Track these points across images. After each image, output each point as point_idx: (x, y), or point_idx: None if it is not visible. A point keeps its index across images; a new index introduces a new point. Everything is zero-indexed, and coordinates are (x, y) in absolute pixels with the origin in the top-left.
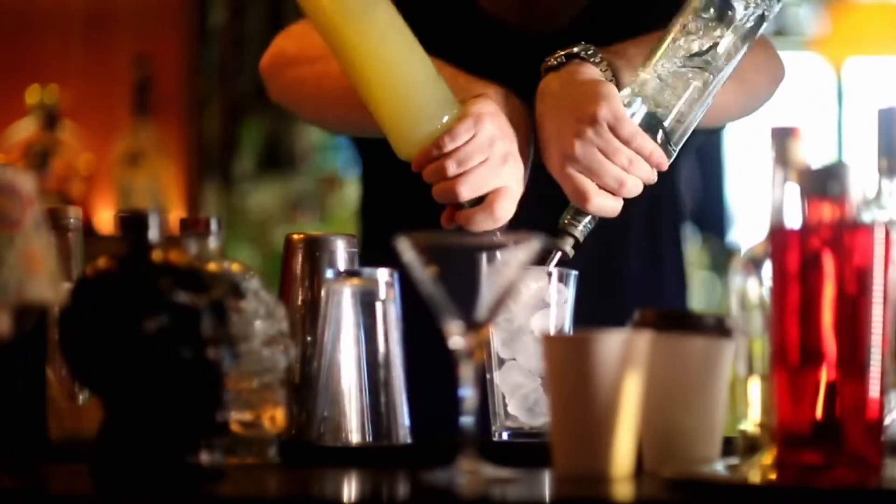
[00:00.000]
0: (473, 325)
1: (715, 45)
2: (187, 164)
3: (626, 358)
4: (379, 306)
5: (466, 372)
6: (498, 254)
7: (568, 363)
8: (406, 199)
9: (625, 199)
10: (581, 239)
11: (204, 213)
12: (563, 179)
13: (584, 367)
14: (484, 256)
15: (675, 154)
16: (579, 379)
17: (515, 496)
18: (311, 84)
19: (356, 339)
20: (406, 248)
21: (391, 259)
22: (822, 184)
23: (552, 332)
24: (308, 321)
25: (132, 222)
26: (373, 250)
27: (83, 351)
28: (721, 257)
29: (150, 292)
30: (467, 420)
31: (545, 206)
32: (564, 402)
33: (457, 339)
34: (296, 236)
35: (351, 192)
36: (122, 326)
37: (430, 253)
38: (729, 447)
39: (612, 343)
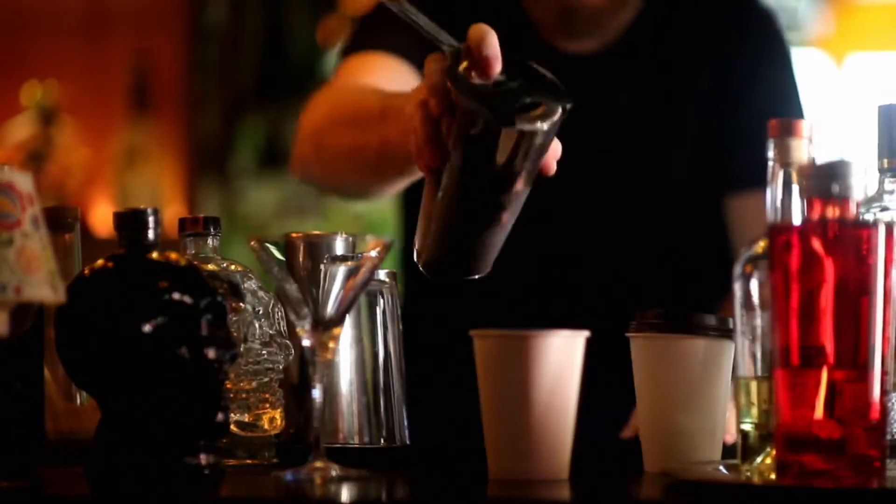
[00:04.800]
0: (323, 324)
1: None
2: (185, 161)
3: (562, 358)
4: (378, 306)
5: (315, 372)
6: (349, 254)
7: (501, 363)
8: None
9: None
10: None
11: (202, 211)
12: None
13: (518, 367)
14: (336, 255)
15: None
16: (513, 379)
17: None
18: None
19: (355, 340)
20: (258, 248)
21: None
22: (824, 182)
23: None
24: None
25: (130, 221)
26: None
27: (80, 351)
28: None
29: (148, 292)
30: (316, 422)
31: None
32: (498, 403)
33: (306, 337)
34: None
35: None
36: (120, 327)
37: (281, 250)
38: (729, 448)
39: (547, 343)
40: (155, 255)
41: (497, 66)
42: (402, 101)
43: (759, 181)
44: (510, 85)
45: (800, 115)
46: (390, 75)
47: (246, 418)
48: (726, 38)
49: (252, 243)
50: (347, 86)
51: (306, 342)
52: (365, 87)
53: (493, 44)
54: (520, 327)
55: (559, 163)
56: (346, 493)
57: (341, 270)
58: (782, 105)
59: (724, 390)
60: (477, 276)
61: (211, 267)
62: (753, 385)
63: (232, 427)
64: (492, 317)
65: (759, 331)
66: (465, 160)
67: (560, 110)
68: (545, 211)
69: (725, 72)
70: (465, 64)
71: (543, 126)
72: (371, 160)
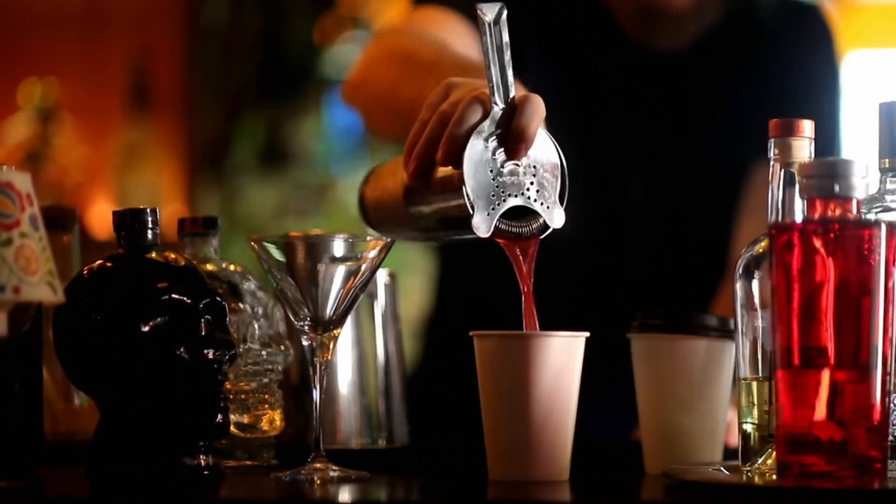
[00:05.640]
0: (323, 325)
1: None
2: (184, 160)
3: (562, 358)
4: (378, 306)
5: (315, 373)
6: (350, 253)
7: (501, 363)
8: None
9: None
10: None
11: (201, 211)
12: None
13: (518, 367)
14: (335, 255)
15: None
16: (513, 379)
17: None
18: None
19: (355, 341)
20: (258, 248)
21: None
22: (825, 182)
23: None
24: None
25: (129, 221)
26: None
27: (79, 352)
28: None
29: (147, 292)
30: (316, 423)
31: None
32: (498, 403)
33: (306, 338)
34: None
35: (349, 190)
36: (119, 327)
37: (281, 250)
38: (731, 448)
39: (547, 343)
40: (154, 255)
41: (523, 155)
42: (454, 62)
43: None
44: (513, 188)
45: (833, 104)
46: (454, 34)
47: (245, 419)
48: (786, 45)
49: (252, 243)
50: (412, 29)
51: (306, 343)
52: (427, 34)
53: (530, 135)
54: (520, 327)
55: (593, 159)
56: (345, 494)
57: (341, 271)
58: (819, 91)
59: (724, 391)
60: None
61: (210, 267)
62: (754, 386)
63: (231, 428)
64: (492, 317)
65: (759, 331)
66: (439, 219)
67: (542, 225)
68: None
69: (773, 72)
70: (497, 131)
71: (519, 232)
72: (401, 110)
